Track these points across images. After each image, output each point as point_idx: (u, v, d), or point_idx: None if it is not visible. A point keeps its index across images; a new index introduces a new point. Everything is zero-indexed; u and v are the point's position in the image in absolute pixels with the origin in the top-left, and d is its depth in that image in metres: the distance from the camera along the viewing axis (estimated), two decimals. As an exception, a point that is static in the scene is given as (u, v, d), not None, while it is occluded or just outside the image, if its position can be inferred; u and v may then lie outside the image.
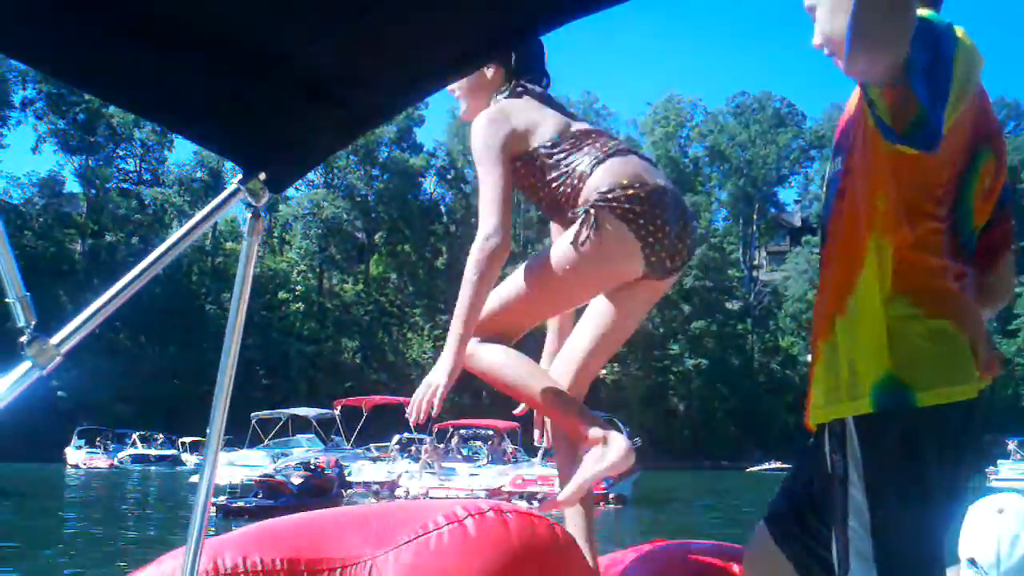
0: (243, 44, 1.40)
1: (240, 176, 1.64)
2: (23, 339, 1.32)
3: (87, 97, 63.74)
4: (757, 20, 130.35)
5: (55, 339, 1.35)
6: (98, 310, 1.44)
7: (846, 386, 1.67)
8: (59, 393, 56.26)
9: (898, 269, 1.64)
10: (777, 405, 74.86)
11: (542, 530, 2.09)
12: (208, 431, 1.76)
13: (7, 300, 1.31)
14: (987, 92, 1.71)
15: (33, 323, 1.32)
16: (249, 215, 1.71)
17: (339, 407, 33.60)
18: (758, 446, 70.06)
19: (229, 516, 18.30)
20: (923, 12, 1.57)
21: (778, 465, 64.18)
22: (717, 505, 28.12)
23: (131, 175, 71.03)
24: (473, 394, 68.73)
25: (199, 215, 1.64)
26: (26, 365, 1.32)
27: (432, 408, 2.17)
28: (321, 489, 20.72)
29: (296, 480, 21.03)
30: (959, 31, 1.61)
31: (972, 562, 2.18)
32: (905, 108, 1.49)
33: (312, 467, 22.74)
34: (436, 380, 2.22)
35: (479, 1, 1.36)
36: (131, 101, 1.66)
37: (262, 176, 1.66)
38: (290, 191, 74.17)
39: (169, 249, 1.60)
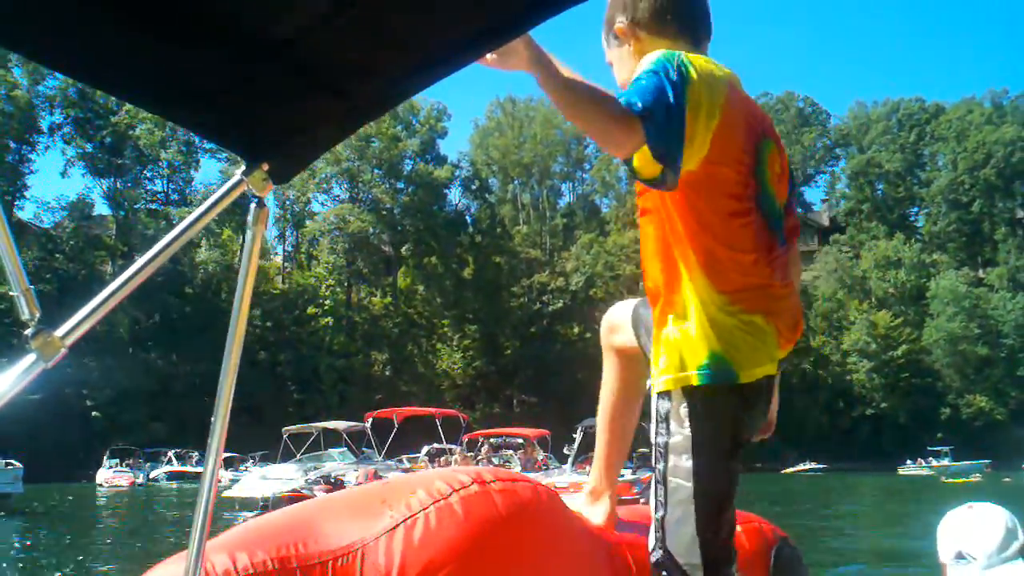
0: (242, 32, 1.39)
1: (243, 167, 1.65)
2: (27, 332, 1.31)
3: (113, 120, 64.45)
4: (776, 20, 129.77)
5: (59, 331, 1.33)
6: (102, 302, 1.43)
7: (678, 364, 1.99)
8: (94, 414, 56.81)
9: (716, 268, 1.96)
10: (810, 405, 74.25)
11: (527, 493, 2.08)
12: (210, 432, 1.74)
13: (12, 294, 1.32)
14: (749, 96, 2.06)
15: (37, 316, 1.32)
16: (253, 205, 1.71)
17: (370, 419, 33.66)
18: (793, 447, 69.49)
19: None
20: (669, 47, 1.95)
21: (814, 465, 63.70)
22: (748, 507, 27.92)
23: (159, 196, 71.63)
24: (504, 403, 68.74)
25: (202, 207, 1.63)
26: (30, 358, 1.31)
27: None
28: None
29: (320, 493, 21.04)
30: (698, 63, 1.89)
31: (959, 555, 2.35)
32: (649, 161, 1.79)
33: (332, 480, 22.73)
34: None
35: None
36: (129, 91, 1.65)
37: (265, 167, 1.66)
38: (316, 206, 74.75)
39: (173, 241, 1.59)
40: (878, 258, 79.49)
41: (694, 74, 1.85)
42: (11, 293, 1.32)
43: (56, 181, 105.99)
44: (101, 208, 68.31)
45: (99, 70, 1.54)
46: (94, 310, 1.40)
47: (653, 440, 2.05)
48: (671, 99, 1.78)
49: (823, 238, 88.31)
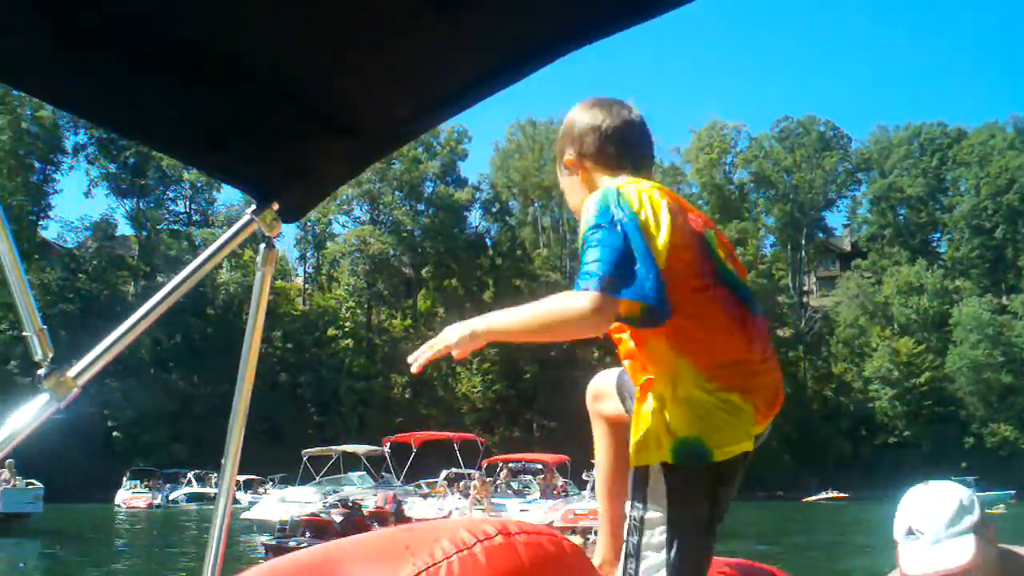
0: (254, 76, 1.41)
1: (253, 207, 1.66)
2: (40, 372, 1.33)
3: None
4: (797, 44, 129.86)
5: (72, 371, 1.36)
6: (114, 342, 1.45)
7: (655, 440, 2.01)
8: (115, 434, 57.03)
9: (690, 346, 1.99)
10: (832, 433, 73.73)
11: (550, 547, 2.05)
12: (223, 460, 1.76)
13: (26, 334, 1.32)
14: (682, 200, 2.14)
15: (50, 356, 1.34)
16: (263, 245, 1.72)
17: (388, 443, 33.63)
18: (814, 475, 68.90)
19: (279, 555, 18.31)
20: (613, 175, 2.13)
21: (835, 495, 63.09)
22: (766, 535, 27.64)
23: (181, 216, 72.14)
24: (523, 428, 68.56)
25: (212, 246, 1.65)
26: (44, 398, 1.33)
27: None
28: (361, 526, 20.66)
29: (337, 517, 21.02)
30: (639, 187, 2.03)
31: (909, 531, 2.28)
32: (632, 309, 1.92)
33: (350, 504, 22.72)
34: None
35: (486, 32, 1.37)
36: (143, 134, 1.67)
37: (275, 206, 1.67)
38: (337, 228, 75.04)
39: (183, 281, 1.61)
40: (900, 284, 78.92)
41: (634, 202, 1.97)
42: (24, 334, 1.33)
43: (80, 201, 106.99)
44: (124, 228, 68.99)
45: (111, 113, 1.57)
46: (105, 351, 1.42)
47: (628, 512, 2.07)
48: (621, 249, 1.89)
49: (844, 263, 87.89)
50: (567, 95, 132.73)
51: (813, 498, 62.88)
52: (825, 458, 72.10)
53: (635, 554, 2.04)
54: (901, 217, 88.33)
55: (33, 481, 27.23)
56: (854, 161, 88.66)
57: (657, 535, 2.02)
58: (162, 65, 1.36)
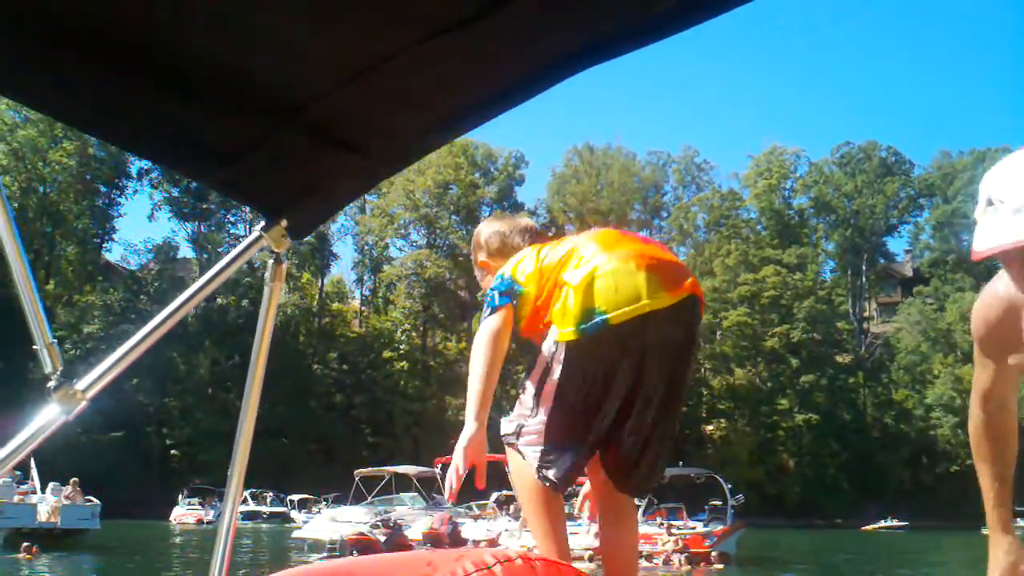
0: (263, 94, 1.43)
1: (262, 223, 1.68)
2: (50, 384, 1.34)
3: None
4: (858, 69, 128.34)
5: (81, 384, 1.37)
6: (123, 355, 1.46)
7: (560, 320, 2.48)
8: (172, 452, 57.79)
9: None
10: (892, 460, 72.33)
11: None
12: (229, 474, 1.77)
13: (35, 347, 1.34)
14: (551, 240, 2.80)
15: (59, 370, 1.35)
16: (271, 261, 1.73)
17: (439, 464, 33.66)
18: (873, 503, 67.55)
19: None
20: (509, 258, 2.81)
21: (895, 523, 61.81)
22: (826, 564, 27.13)
23: (240, 239, 72.97)
24: (577, 451, 68.19)
25: (222, 262, 1.67)
26: (53, 410, 1.34)
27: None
28: (403, 547, 20.68)
29: (381, 537, 21.08)
30: (512, 267, 2.69)
31: (989, 201, 1.89)
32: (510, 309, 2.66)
33: (392, 525, 22.76)
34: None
35: (493, 52, 1.38)
36: (153, 152, 1.70)
37: (284, 223, 1.68)
38: (394, 251, 75.60)
39: (191, 297, 1.62)
40: (963, 311, 77.35)
41: (514, 272, 2.68)
42: (35, 347, 1.33)
43: (143, 224, 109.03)
44: (185, 251, 70.15)
45: (122, 131, 1.60)
46: (114, 364, 1.42)
47: (535, 378, 2.59)
48: (505, 283, 2.66)
49: (906, 290, 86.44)
50: (624, 121, 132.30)
51: (872, 526, 61.63)
52: (885, 486, 70.71)
53: (536, 399, 2.56)
54: (964, 243, 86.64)
55: (91, 498, 27.67)
56: (916, 187, 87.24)
57: (550, 397, 2.51)
58: (170, 83, 1.38)
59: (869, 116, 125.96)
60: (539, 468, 2.54)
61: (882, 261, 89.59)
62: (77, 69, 1.36)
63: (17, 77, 1.40)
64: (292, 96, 1.46)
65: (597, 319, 2.39)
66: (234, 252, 1.69)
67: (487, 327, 2.62)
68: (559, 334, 2.47)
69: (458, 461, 2.52)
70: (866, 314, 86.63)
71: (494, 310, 2.63)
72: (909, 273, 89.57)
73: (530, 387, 2.58)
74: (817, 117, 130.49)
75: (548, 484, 2.55)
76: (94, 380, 1.39)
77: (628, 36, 1.37)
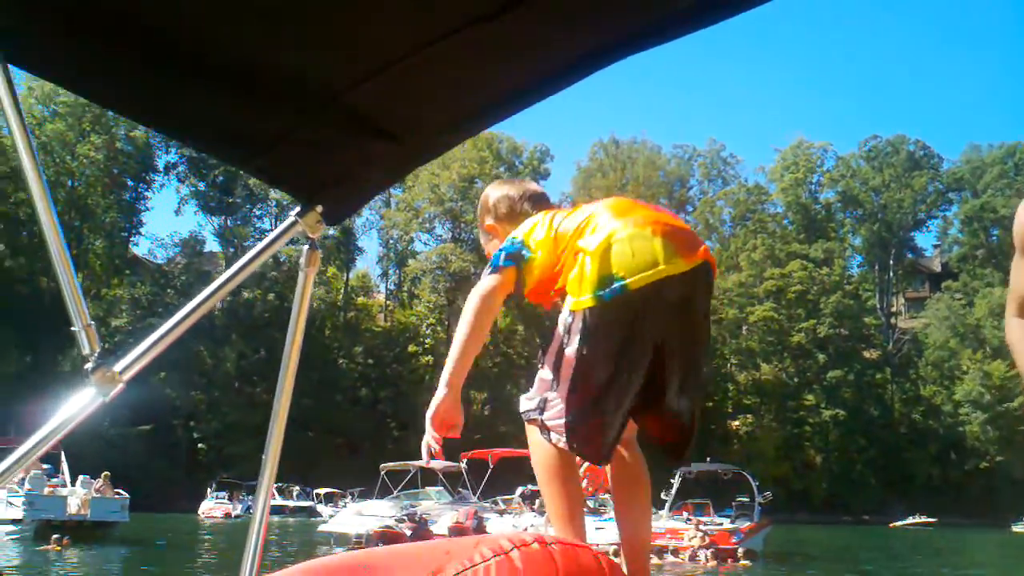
0: (298, 83, 1.45)
1: (297, 209, 1.70)
2: (87, 366, 1.35)
3: (226, 160, 66.73)
4: (885, 63, 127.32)
5: (118, 366, 1.37)
6: (159, 339, 1.47)
7: (577, 289, 2.45)
8: (200, 446, 58.25)
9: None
10: (921, 457, 71.84)
11: (587, 560, 2.07)
12: (261, 470, 1.79)
13: (73, 329, 1.34)
14: (569, 217, 2.69)
15: (97, 351, 1.36)
16: (306, 247, 1.75)
17: (465, 459, 33.72)
18: (901, 500, 67.15)
19: None
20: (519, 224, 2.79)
21: (923, 520, 61.42)
22: (855, 561, 26.96)
23: (267, 233, 73.46)
24: (602, 446, 68.15)
25: (258, 246, 1.69)
26: (90, 392, 1.35)
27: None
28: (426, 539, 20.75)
29: (407, 531, 21.18)
30: (532, 221, 2.73)
31: None
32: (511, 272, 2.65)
33: (417, 519, 22.87)
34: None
35: (523, 45, 1.39)
36: (192, 138, 1.73)
37: (319, 209, 1.70)
38: (419, 245, 75.80)
39: (229, 279, 1.63)
40: (993, 306, 76.69)
41: (526, 237, 2.68)
42: (73, 329, 1.35)
43: (170, 218, 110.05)
44: (212, 245, 70.67)
45: (166, 119, 1.64)
46: (151, 346, 1.44)
47: (559, 346, 2.53)
48: (514, 247, 2.67)
49: (934, 285, 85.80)
50: (649, 114, 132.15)
51: (900, 523, 61.28)
52: (913, 482, 70.26)
53: (556, 372, 2.51)
54: (994, 238, 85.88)
55: (120, 491, 27.94)
56: (945, 181, 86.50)
57: (570, 366, 2.46)
58: (210, 73, 1.40)
59: (897, 110, 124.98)
60: (569, 442, 2.50)
61: (910, 256, 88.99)
62: (117, 55, 1.38)
63: (76, 72, 1.45)
64: (327, 85, 1.47)
65: (615, 284, 2.40)
66: (271, 236, 1.72)
67: (482, 286, 2.63)
68: (575, 302, 2.46)
69: (429, 430, 2.58)
70: (894, 309, 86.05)
71: (495, 270, 2.64)
72: (937, 268, 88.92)
73: (549, 360, 2.56)
74: (844, 111, 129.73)
75: (583, 457, 2.61)
76: (131, 362, 1.41)
77: (651, 32, 1.37)
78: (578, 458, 2.75)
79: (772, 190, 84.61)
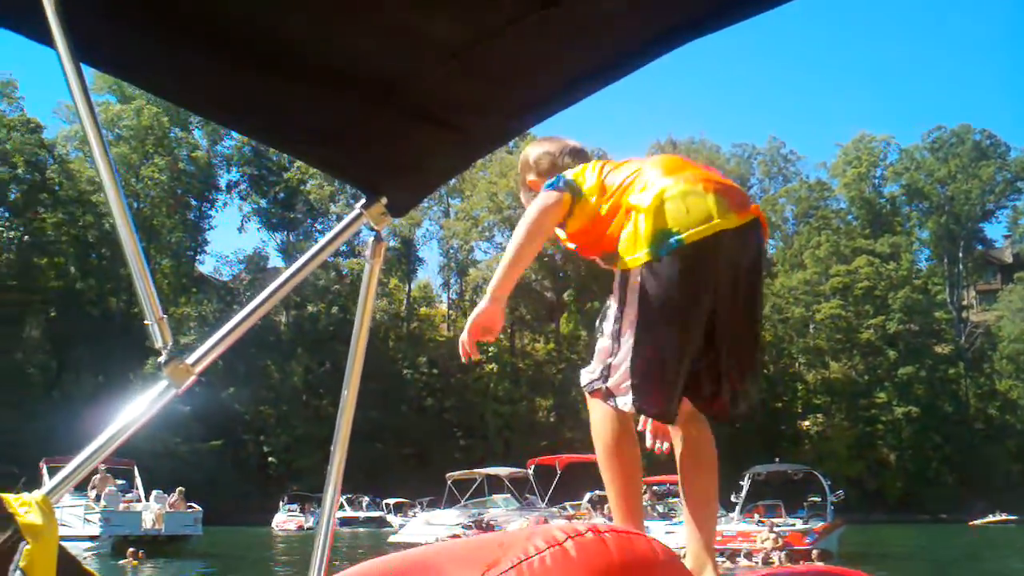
0: (362, 74, 1.46)
1: (363, 201, 1.71)
2: (160, 359, 1.37)
3: (286, 176, 67.64)
4: (948, 52, 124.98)
5: (190, 359, 1.39)
6: (229, 332, 1.47)
7: (631, 245, 2.50)
8: (270, 459, 59.01)
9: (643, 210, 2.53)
10: (999, 453, 70.17)
11: (642, 547, 2.05)
12: (327, 476, 1.79)
13: (147, 323, 1.37)
14: (617, 171, 2.72)
15: (170, 344, 1.37)
16: (371, 239, 1.76)
17: (532, 466, 33.69)
18: (980, 497, 65.62)
19: None
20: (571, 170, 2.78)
21: (1004, 517, 59.96)
22: (937, 561, 26.37)
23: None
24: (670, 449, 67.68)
25: (324, 239, 1.70)
26: (163, 384, 1.37)
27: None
28: None
29: None
30: (583, 172, 2.74)
31: None
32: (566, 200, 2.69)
33: (484, 525, 22.95)
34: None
35: (589, 27, 1.38)
36: (257, 130, 1.76)
37: (383, 200, 1.70)
38: (479, 254, 76.07)
39: (296, 272, 1.64)
40: (1068, 296, 74.90)
41: (578, 179, 2.72)
42: (146, 323, 1.38)
43: (233, 236, 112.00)
44: (275, 260, 71.61)
45: (230, 113, 1.67)
46: (221, 339, 1.46)
47: (612, 312, 2.60)
48: (563, 178, 2.72)
49: (1006, 276, 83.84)
50: (708, 113, 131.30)
51: (980, 521, 59.88)
52: (991, 479, 68.59)
53: (617, 337, 2.53)
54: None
55: (193, 505, 28.41)
56: (1013, 170, 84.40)
57: (631, 326, 2.49)
58: (273, 65, 1.41)
59: (961, 100, 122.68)
60: (637, 403, 2.50)
61: (980, 247, 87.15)
62: (185, 50, 1.41)
63: (130, 59, 1.48)
64: (390, 75, 1.48)
65: (672, 239, 2.42)
66: (336, 229, 1.73)
67: (540, 202, 2.66)
68: (631, 259, 2.50)
69: (465, 332, 2.67)
70: (965, 302, 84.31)
71: (554, 188, 2.67)
72: (1009, 259, 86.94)
73: (608, 327, 2.58)
74: (907, 103, 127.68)
75: (651, 415, 2.63)
76: (202, 355, 1.42)
77: (714, 14, 1.35)
78: (643, 421, 2.85)
79: (835, 186, 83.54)
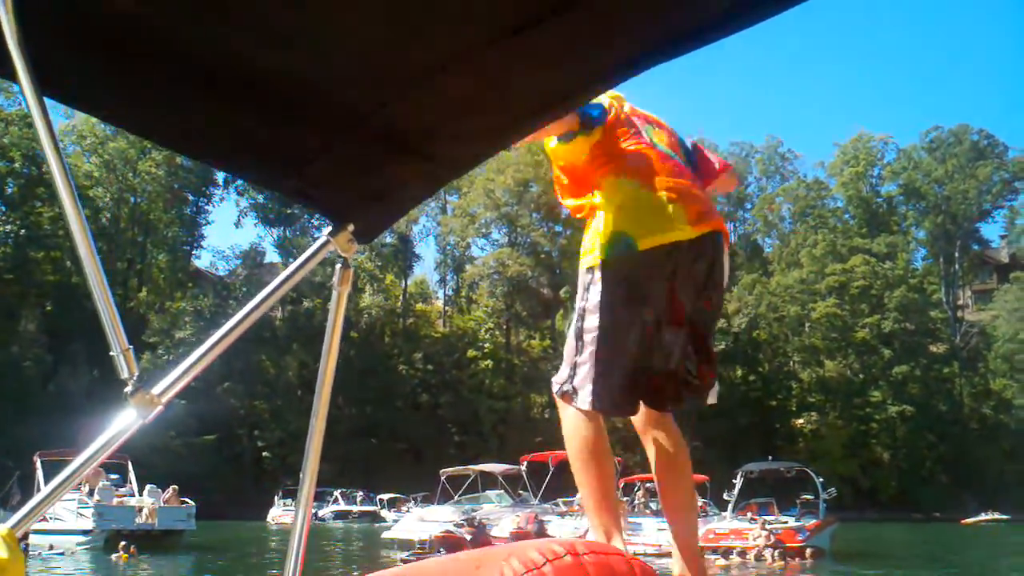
0: (328, 103, 1.46)
1: (329, 228, 1.70)
2: (127, 390, 1.37)
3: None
4: (946, 53, 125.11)
5: (156, 389, 1.39)
6: (196, 361, 1.49)
7: (593, 246, 2.66)
8: (264, 454, 58.99)
9: (621, 166, 2.74)
10: (992, 452, 70.27)
11: (620, 567, 2.03)
12: (301, 475, 1.81)
13: (112, 354, 1.37)
14: (638, 109, 2.98)
15: (136, 375, 1.37)
16: (338, 266, 1.78)
17: (525, 462, 33.69)
18: (973, 496, 65.74)
19: None
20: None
21: (996, 517, 60.10)
22: (928, 558, 26.43)
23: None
24: (664, 447, 67.72)
25: (291, 267, 1.73)
26: (130, 414, 1.38)
27: None
28: (486, 545, 20.79)
29: (467, 536, 21.28)
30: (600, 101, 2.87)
31: None
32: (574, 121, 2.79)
33: (476, 524, 22.97)
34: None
35: (556, 55, 1.38)
36: (219, 158, 1.76)
37: (350, 227, 1.72)
38: (476, 251, 76.05)
39: (261, 302, 1.65)
40: (1063, 296, 74.97)
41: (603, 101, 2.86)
42: (111, 353, 1.37)
43: (230, 231, 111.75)
44: (272, 256, 71.57)
45: (193, 143, 1.66)
46: (187, 370, 1.48)
47: (577, 303, 2.69)
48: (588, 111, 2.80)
49: (1002, 276, 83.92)
50: (706, 112, 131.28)
51: (972, 520, 59.99)
52: (984, 478, 68.70)
53: (580, 336, 2.65)
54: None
55: (186, 499, 28.41)
56: (1011, 170, 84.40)
57: (592, 324, 2.60)
58: (238, 95, 1.41)
59: (959, 100, 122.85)
60: (592, 400, 2.58)
61: (976, 247, 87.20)
62: (149, 83, 1.40)
63: (93, 92, 1.47)
64: (356, 104, 1.48)
65: (624, 243, 2.56)
66: (303, 257, 1.74)
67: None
68: (590, 259, 2.65)
69: None
70: (960, 302, 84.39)
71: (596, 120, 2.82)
72: (1005, 259, 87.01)
73: (572, 330, 2.70)
74: (905, 103, 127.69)
75: (607, 410, 2.64)
76: (168, 385, 1.42)
77: (693, 34, 1.34)
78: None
79: (832, 185, 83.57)
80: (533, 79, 1.43)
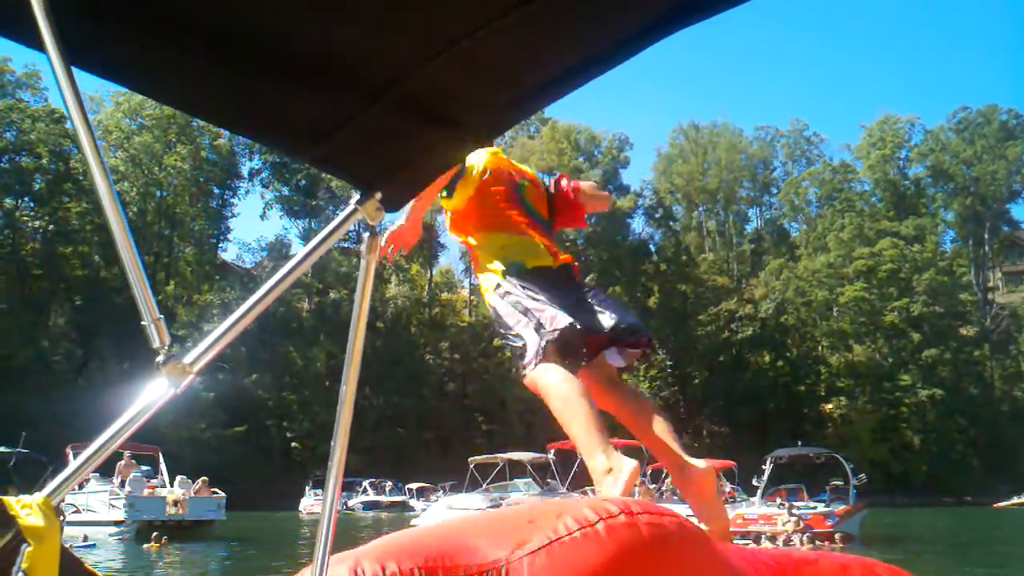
0: (355, 69, 1.46)
1: (357, 197, 1.69)
2: (158, 359, 1.38)
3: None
4: (974, 31, 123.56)
5: (188, 358, 1.39)
6: (227, 330, 1.47)
7: (490, 271, 3.44)
8: (293, 445, 59.36)
9: (493, 223, 3.57)
10: (1024, 436, 69.67)
11: (673, 528, 2.06)
12: (331, 450, 1.81)
13: (143, 323, 1.37)
14: (512, 162, 3.84)
15: (167, 344, 1.38)
16: (367, 235, 1.77)
17: (552, 450, 33.74)
18: (1005, 480, 65.22)
19: None
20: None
21: (1030, 500, 59.59)
22: (959, 543, 26.23)
23: (350, 235, 74.25)
24: (693, 434, 67.65)
25: (319, 235, 1.68)
26: (162, 384, 1.38)
27: None
28: None
29: None
30: (477, 156, 3.64)
31: None
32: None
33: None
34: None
35: (584, 16, 1.36)
36: (247, 127, 1.77)
37: (378, 196, 1.69)
38: (500, 239, 76.07)
39: (292, 270, 1.65)
40: (1095, 277, 74.14)
41: (470, 164, 3.62)
42: (143, 323, 1.37)
43: (256, 223, 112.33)
44: (297, 247, 71.86)
45: (221, 111, 1.66)
46: (217, 339, 1.46)
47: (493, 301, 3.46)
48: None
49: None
50: (730, 97, 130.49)
51: (1005, 503, 59.49)
52: (1016, 462, 68.14)
53: (508, 329, 3.28)
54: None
55: (216, 490, 28.68)
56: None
57: (510, 308, 3.29)
58: (266, 62, 1.41)
59: (987, 80, 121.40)
60: (538, 348, 3.09)
61: (1006, 229, 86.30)
62: (178, 52, 1.39)
63: (121, 62, 1.47)
64: (384, 70, 1.47)
65: (516, 265, 3.36)
66: (331, 225, 1.75)
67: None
68: (492, 276, 3.41)
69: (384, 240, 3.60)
70: (990, 284, 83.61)
71: None
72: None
73: (502, 334, 3.36)
74: (932, 83, 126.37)
75: (562, 333, 3.09)
76: (200, 353, 1.42)
77: None
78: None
79: (859, 168, 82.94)
80: (564, 42, 1.42)
